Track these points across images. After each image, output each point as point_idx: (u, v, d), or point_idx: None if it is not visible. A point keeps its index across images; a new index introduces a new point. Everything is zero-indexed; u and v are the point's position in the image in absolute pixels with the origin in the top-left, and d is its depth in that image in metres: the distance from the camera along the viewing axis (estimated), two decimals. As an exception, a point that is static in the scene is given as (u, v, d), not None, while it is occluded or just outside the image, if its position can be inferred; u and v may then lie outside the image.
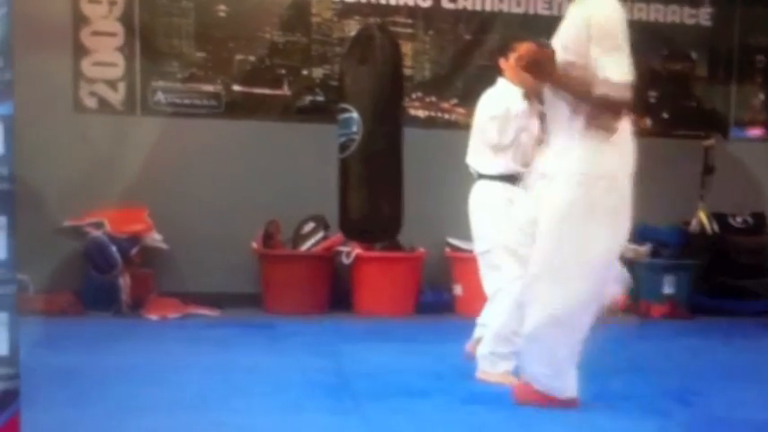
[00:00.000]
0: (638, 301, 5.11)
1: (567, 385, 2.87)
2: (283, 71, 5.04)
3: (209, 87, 4.98)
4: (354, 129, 4.56)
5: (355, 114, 4.55)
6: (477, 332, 3.36)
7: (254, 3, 4.97)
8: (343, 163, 4.65)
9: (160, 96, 4.93)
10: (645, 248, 5.17)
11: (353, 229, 4.62)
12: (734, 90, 5.59)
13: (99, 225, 4.56)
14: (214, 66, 4.97)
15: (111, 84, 4.89)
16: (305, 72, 5.06)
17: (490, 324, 3.21)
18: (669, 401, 3.05)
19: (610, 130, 2.81)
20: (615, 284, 3.16)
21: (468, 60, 5.17)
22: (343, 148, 4.64)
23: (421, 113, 5.22)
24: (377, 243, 4.77)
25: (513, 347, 3.09)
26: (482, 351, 3.21)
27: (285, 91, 5.05)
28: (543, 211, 2.84)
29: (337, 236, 4.82)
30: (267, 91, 5.03)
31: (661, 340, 4.41)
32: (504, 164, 3.26)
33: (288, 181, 4.87)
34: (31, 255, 4.26)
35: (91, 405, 2.81)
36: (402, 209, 4.64)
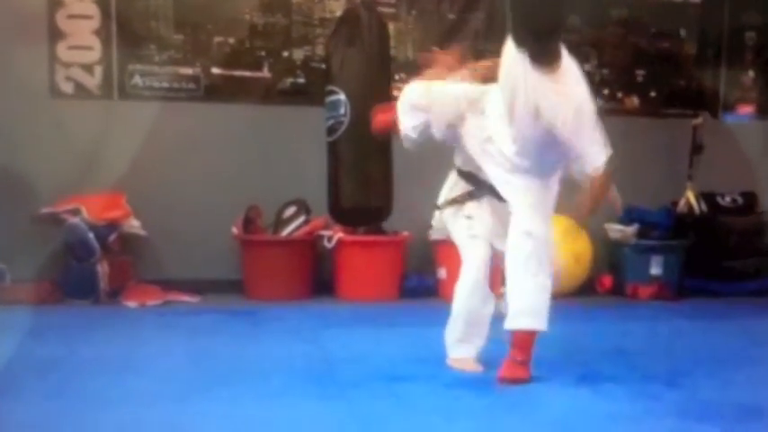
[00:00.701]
0: (625, 282, 5.10)
1: None
2: (263, 53, 4.97)
3: (187, 70, 4.89)
4: (342, 111, 4.50)
5: (343, 96, 4.49)
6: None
7: (233, -17, 4.89)
8: (331, 146, 4.60)
9: (137, 80, 4.85)
10: (632, 229, 5.14)
11: (343, 213, 4.58)
12: (723, 68, 5.56)
13: (76, 212, 4.49)
14: (192, 48, 4.89)
15: (88, 68, 4.80)
16: (285, 54, 4.99)
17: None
18: (657, 384, 3.04)
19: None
20: None
21: (452, 40, 5.10)
22: (330, 130, 4.58)
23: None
24: (367, 227, 4.72)
25: (475, 330, 3.14)
26: (447, 337, 3.21)
27: (265, 73, 4.98)
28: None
29: (319, 220, 4.78)
30: (247, 74, 4.96)
31: (649, 322, 4.40)
32: None
33: (269, 165, 4.82)
34: (8, 243, 4.23)
35: (70, 396, 2.77)
36: (392, 192, 4.60)
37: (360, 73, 4.44)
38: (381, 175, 4.57)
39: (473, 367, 3.13)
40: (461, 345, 3.18)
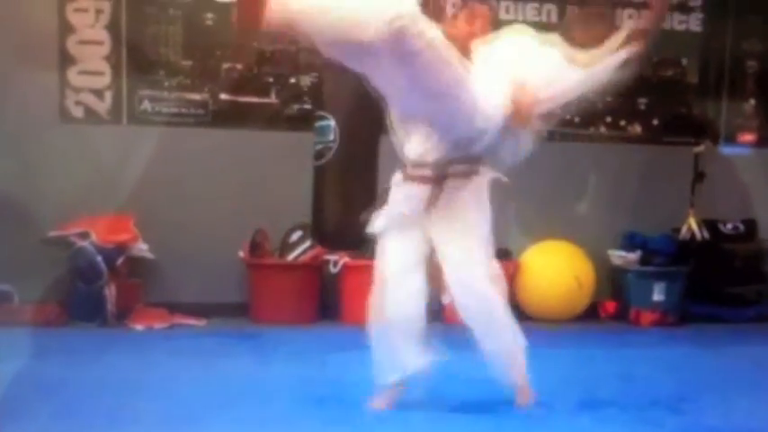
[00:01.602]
0: (628, 308, 5.11)
1: None
2: (271, 80, 5.03)
3: (196, 96, 4.96)
4: (331, 137, 4.58)
5: (332, 122, 4.57)
6: None
7: (241, 11, 4.96)
8: (318, 170, 4.68)
9: (147, 105, 4.91)
10: (634, 256, 5.16)
11: (327, 236, 4.64)
12: (725, 96, 5.59)
13: (85, 235, 4.52)
14: (201, 75, 4.95)
15: (98, 93, 4.86)
16: (292, 80, 5.05)
17: None
18: (660, 410, 3.05)
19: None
20: None
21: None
22: (318, 155, 4.66)
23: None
24: (350, 250, 4.76)
25: None
26: None
27: (273, 99, 5.04)
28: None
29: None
30: (254, 99, 5.01)
31: (651, 348, 4.41)
32: None
33: (276, 189, 4.85)
34: (17, 265, 4.26)
35: (76, 418, 2.80)
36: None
37: (348, 99, 4.49)
38: (366, 200, 4.61)
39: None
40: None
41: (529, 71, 2.86)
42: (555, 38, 2.93)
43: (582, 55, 2.89)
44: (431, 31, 2.61)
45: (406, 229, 2.94)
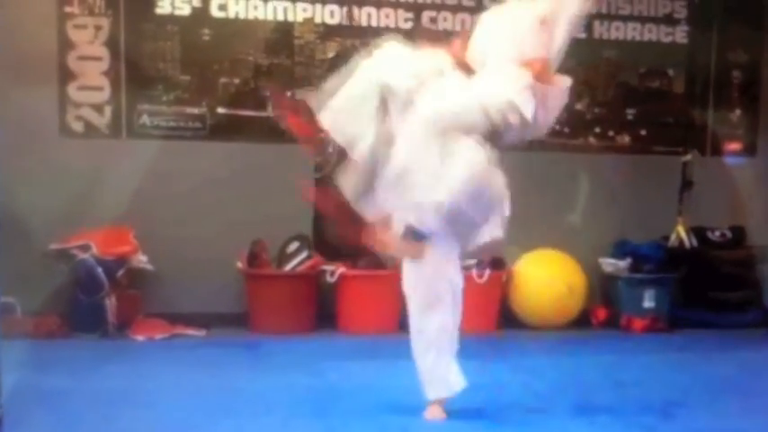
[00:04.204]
0: (619, 314, 5.18)
1: None
2: (267, 93, 5.09)
3: (194, 110, 5.01)
4: (330, 149, 4.66)
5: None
6: None
7: (238, 26, 5.03)
8: (317, 182, 4.76)
9: (145, 119, 4.96)
10: (625, 263, 5.23)
11: (327, 247, 4.72)
12: (711, 106, 5.66)
13: (86, 247, 4.55)
14: (199, 89, 5.00)
15: (97, 108, 4.91)
16: (289, 94, 5.12)
17: None
18: (652, 415, 3.11)
19: None
20: None
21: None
22: (318, 168, 4.75)
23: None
24: (349, 259, 4.83)
25: None
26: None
27: (269, 113, 5.11)
28: None
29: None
30: (251, 113, 5.07)
31: (642, 354, 4.47)
32: None
33: (273, 201, 4.90)
34: (19, 277, 4.30)
35: (78, 428, 2.84)
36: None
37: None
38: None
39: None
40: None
41: (527, 49, 2.93)
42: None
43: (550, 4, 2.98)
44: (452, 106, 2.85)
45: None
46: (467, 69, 2.99)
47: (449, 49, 3.08)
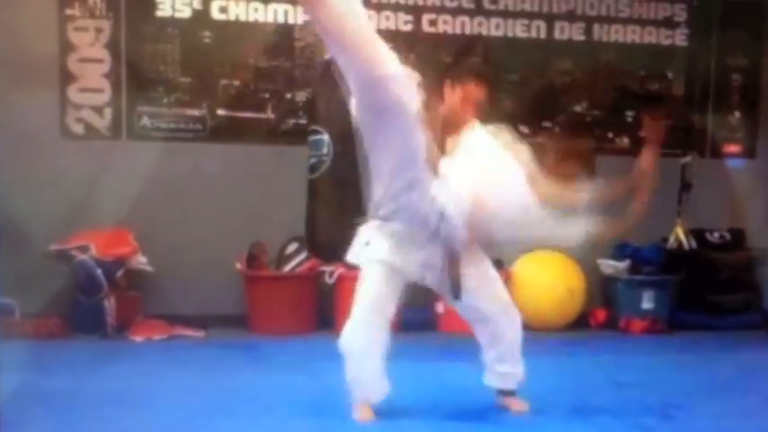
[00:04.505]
0: (618, 316, 5.19)
1: None
2: (267, 95, 5.11)
3: (194, 112, 5.03)
4: (325, 150, 4.69)
5: (326, 136, 4.68)
6: None
7: (238, 29, 5.05)
8: (312, 183, 4.78)
9: (146, 121, 4.98)
10: (624, 265, 5.24)
11: (319, 248, 4.73)
12: (710, 109, 5.68)
13: (85, 249, 4.56)
14: (199, 91, 5.02)
15: (98, 110, 4.93)
16: (288, 96, 5.13)
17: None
18: (651, 416, 3.11)
19: None
20: None
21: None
22: (312, 168, 4.77)
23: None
24: (341, 261, 4.82)
25: None
26: None
27: (269, 114, 5.12)
28: None
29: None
30: (251, 115, 5.08)
31: (641, 355, 4.47)
32: None
33: (272, 202, 4.92)
34: (18, 279, 4.31)
35: (77, 429, 2.85)
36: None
37: (341, 113, 4.57)
38: (358, 213, 4.70)
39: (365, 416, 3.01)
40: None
41: (492, 188, 2.85)
42: (527, 152, 2.94)
43: (545, 184, 2.90)
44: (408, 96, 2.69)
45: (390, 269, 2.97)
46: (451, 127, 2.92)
47: (444, 102, 2.96)
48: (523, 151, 2.93)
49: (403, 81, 2.68)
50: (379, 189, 2.88)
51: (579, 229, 2.92)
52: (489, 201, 2.80)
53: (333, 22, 2.57)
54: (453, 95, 2.95)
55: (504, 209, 2.83)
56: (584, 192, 2.92)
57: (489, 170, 2.86)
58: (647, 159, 2.96)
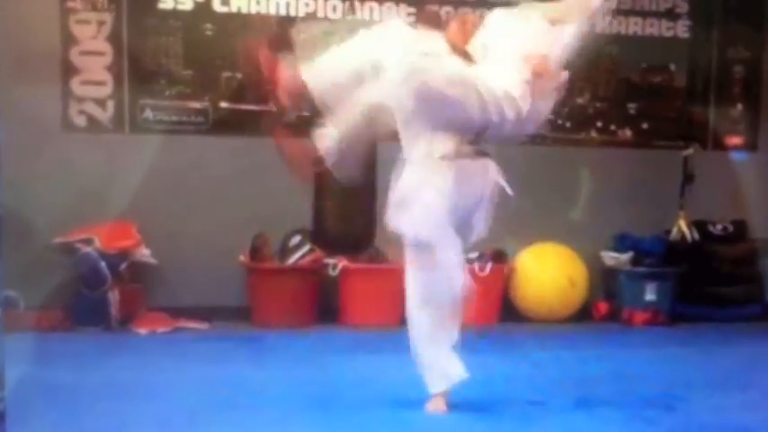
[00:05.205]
0: (620, 308, 5.20)
1: None
2: (270, 87, 5.10)
3: (196, 104, 5.03)
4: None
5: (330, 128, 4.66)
6: None
7: (240, 21, 5.04)
8: (317, 176, 4.77)
9: (148, 114, 4.98)
10: (626, 257, 5.25)
11: (326, 241, 4.74)
12: (712, 101, 5.67)
13: (89, 241, 4.58)
14: (201, 83, 5.02)
15: (100, 102, 4.93)
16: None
17: None
18: (653, 408, 3.13)
19: None
20: None
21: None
22: (317, 161, 4.75)
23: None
24: (348, 254, 4.84)
25: None
26: None
27: (271, 107, 5.12)
28: None
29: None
30: (254, 107, 5.09)
31: (644, 347, 4.49)
32: None
33: (275, 195, 4.91)
34: (22, 271, 4.31)
35: (81, 421, 2.86)
36: (375, 221, 4.72)
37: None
38: (365, 205, 4.70)
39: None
40: None
41: (530, 46, 2.95)
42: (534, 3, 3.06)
43: (559, 7, 3.03)
44: (442, 69, 2.80)
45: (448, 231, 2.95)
46: (464, 56, 2.98)
47: (447, 33, 3.08)
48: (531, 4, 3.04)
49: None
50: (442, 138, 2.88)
51: None
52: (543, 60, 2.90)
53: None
54: (451, 28, 3.13)
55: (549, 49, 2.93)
56: None
57: (524, 38, 2.95)
58: None
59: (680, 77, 5.61)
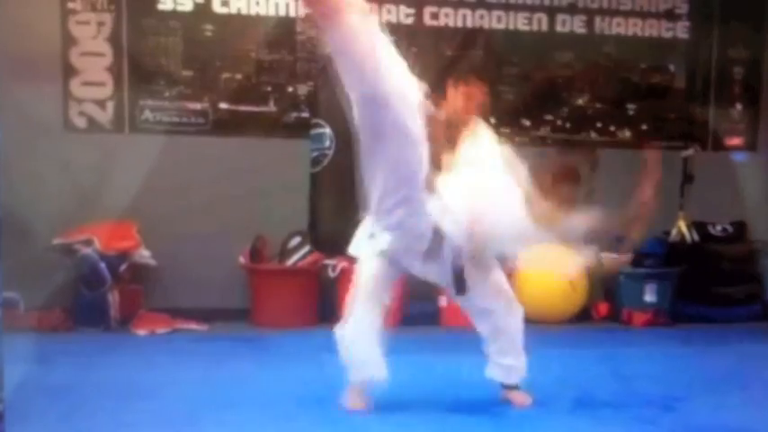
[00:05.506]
0: (620, 309, 5.20)
1: None
2: (269, 88, 5.11)
3: (196, 105, 5.03)
4: (327, 144, 4.71)
5: (328, 130, 4.69)
6: None
7: (239, 22, 5.04)
8: (314, 176, 4.79)
9: (148, 115, 4.99)
10: (626, 258, 5.25)
11: (322, 241, 4.75)
12: (712, 101, 5.67)
13: (89, 242, 4.58)
14: (201, 84, 5.03)
15: (100, 103, 4.94)
16: (290, 89, 5.13)
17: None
18: (653, 408, 3.13)
19: None
20: None
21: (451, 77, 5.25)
22: (315, 162, 4.79)
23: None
24: (345, 255, 4.84)
25: None
26: None
27: (271, 108, 5.12)
28: None
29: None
30: (253, 108, 5.09)
31: (644, 348, 4.48)
32: None
33: (274, 196, 4.92)
34: (23, 272, 4.31)
35: (81, 421, 2.86)
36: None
37: (343, 107, 4.57)
38: (360, 207, 4.71)
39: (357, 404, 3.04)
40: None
41: (488, 205, 2.87)
42: (524, 172, 2.94)
43: (541, 206, 2.89)
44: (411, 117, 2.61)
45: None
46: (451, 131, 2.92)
47: (449, 99, 2.98)
48: (521, 170, 2.92)
49: (408, 101, 2.58)
50: (374, 197, 2.81)
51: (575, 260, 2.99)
52: (485, 220, 2.80)
53: (344, 41, 2.50)
54: (456, 94, 2.98)
55: (500, 228, 2.84)
56: (581, 220, 2.90)
57: (487, 188, 2.87)
58: (646, 191, 2.96)
59: (679, 78, 5.61)
